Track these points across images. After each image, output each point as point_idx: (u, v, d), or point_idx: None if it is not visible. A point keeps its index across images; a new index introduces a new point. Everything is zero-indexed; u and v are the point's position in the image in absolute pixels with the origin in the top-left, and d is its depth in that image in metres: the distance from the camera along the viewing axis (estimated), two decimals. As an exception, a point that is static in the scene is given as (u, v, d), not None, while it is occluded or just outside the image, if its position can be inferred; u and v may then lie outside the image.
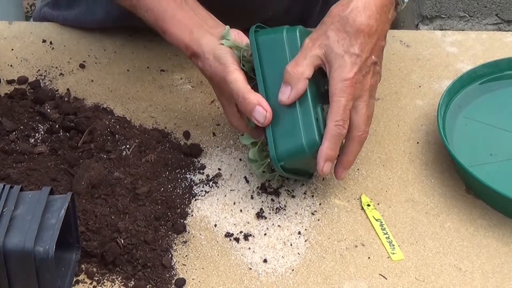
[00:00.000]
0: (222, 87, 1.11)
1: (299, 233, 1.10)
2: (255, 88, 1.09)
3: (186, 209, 1.11)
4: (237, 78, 1.08)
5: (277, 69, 1.08)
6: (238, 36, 1.13)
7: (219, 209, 1.12)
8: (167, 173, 1.15)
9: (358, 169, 1.19)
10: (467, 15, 2.39)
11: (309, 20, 1.40)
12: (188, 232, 1.09)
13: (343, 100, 1.06)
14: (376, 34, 1.09)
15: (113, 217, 1.06)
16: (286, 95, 1.07)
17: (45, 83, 1.30)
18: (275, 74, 1.08)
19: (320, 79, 1.10)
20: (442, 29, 2.39)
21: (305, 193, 1.15)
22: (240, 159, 1.19)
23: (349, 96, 1.06)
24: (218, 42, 1.11)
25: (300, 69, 1.07)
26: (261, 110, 1.07)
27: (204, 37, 1.12)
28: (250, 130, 1.12)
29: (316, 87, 1.09)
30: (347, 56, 1.06)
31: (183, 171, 1.16)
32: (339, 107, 1.06)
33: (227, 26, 1.13)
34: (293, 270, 1.05)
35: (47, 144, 1.17)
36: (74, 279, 1.01)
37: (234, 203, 1.13)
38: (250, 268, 1.05)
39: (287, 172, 1.09)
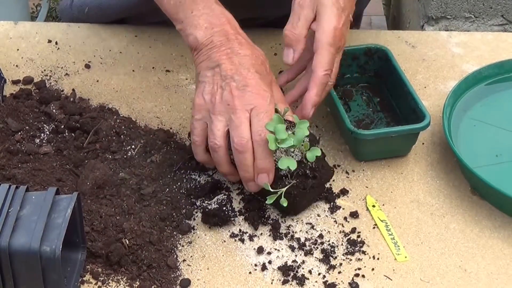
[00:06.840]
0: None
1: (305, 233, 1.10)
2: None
3: (191, 210, 1.11)
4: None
5: None
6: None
7: (224, 210, 1.12)
8: (172, 173, 1.15)
9: (363, 170, 1.19)
10: (472, 16, 2.38)
11: None
12: (193, 233, 1.09)
13: (333, 50, 1.11)
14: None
15: (118, 217, 1.06)
16: (290, 57, 1.13)
17: (50, 83, 1.30)
18: None
19: None
20: (447, 30, 2.39)
21: (310, 194, 1.15)
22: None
23: (336, 45, 1.11)
24: None
25: (297, 31, 1.12)
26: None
27: None
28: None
29: None
30: (335, 7, 1.11)
31: (188, 171, 1.16)
32: (330, 57, 1.11)
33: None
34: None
35: (52, 144, 1.17)
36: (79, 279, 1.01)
37: (239, 203, 1.13)
38: (255, 269, 1.05)
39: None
